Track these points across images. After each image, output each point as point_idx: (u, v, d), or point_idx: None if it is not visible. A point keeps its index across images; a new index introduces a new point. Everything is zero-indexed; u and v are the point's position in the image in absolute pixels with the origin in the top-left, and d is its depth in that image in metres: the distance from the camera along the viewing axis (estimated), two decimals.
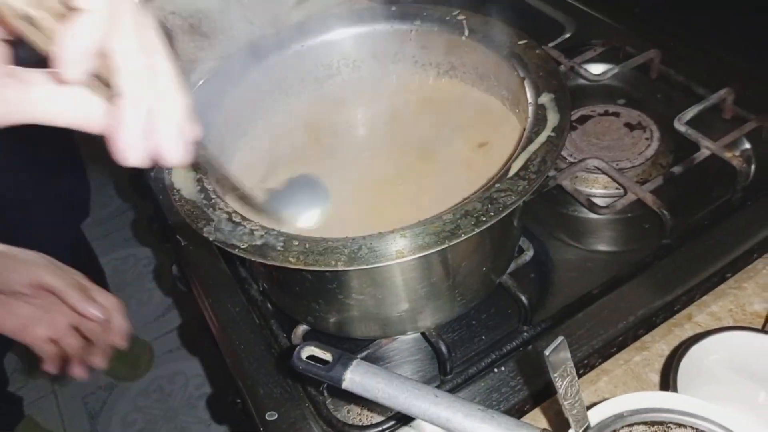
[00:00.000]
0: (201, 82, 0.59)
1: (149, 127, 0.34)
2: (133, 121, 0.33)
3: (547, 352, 0.33)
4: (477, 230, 0.42)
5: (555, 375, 0.34)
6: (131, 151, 0.33)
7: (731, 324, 0.54)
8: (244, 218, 0.45)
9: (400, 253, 0.41)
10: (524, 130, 0.49)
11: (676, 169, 0.63)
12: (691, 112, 0.68)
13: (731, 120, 0.70)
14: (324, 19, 0.64)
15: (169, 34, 0.86)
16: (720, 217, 0.61)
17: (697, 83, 0.74)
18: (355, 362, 0.39)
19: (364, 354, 0.53)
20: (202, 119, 0.54)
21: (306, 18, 0.66)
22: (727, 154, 0.63)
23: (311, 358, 0.40)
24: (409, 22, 0.62)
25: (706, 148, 0.64)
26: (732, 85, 0.70)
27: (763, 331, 0.44)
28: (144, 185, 0.78)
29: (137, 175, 0.81)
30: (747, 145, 0.68)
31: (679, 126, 0.67)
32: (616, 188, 0.66)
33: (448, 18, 0.60)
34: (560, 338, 0.34)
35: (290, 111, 0.64)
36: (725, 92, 0.70)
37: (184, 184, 0.49)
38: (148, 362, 1.64)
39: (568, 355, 0.35)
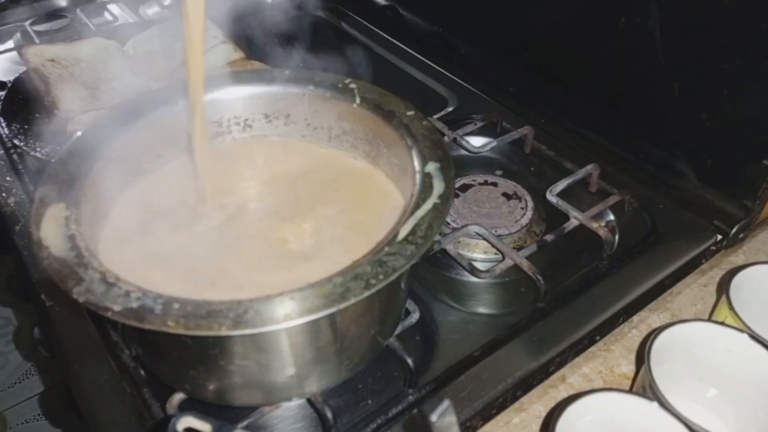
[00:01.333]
0: (79, 133, 0.56)
1: None
2: None
3: (434, 418, 0.33)
4: (367, 293, 0.42)
5: None
6: None
7: (601, 385, 0.57)
8: (119, 279, 0.42)
9: (288, 316, 0.40)
10: (412, 196, 0.51)
11: (549, 237, 0.68)
12: (561, 185, 0.73)
13: (597, 193, 0.76)
14: (214, 78, 0.63)
15: (46, 82, 0.81)
16: (588, 282, 0.66)
17: (566, 159, 0.80)
18: None
19: (245, 423, 0.51)
20: (78, 170, 0.52)
21: None
22: (594, 225, 0.68)
23: (189, 430, 0.38)
24: (302, 86, 0.63)
25: (575, 218, 0.70)
26: (597, 161, 0.77)
27: (630, 392, 0.47)
28: (7, 239, 0.72)
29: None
30: (611, 217, 0.74)
31: (551, 197, 0.72)
32: (495, 253, 0.69)
33: (340, 85, 0.62)
34: (446, 402, 0.34)
35: (176, 165, 0.62)
36: (591, 167, 0.76)
37: (54, 240, 0.45)
38: None
39: (454, 419, 0.35)
